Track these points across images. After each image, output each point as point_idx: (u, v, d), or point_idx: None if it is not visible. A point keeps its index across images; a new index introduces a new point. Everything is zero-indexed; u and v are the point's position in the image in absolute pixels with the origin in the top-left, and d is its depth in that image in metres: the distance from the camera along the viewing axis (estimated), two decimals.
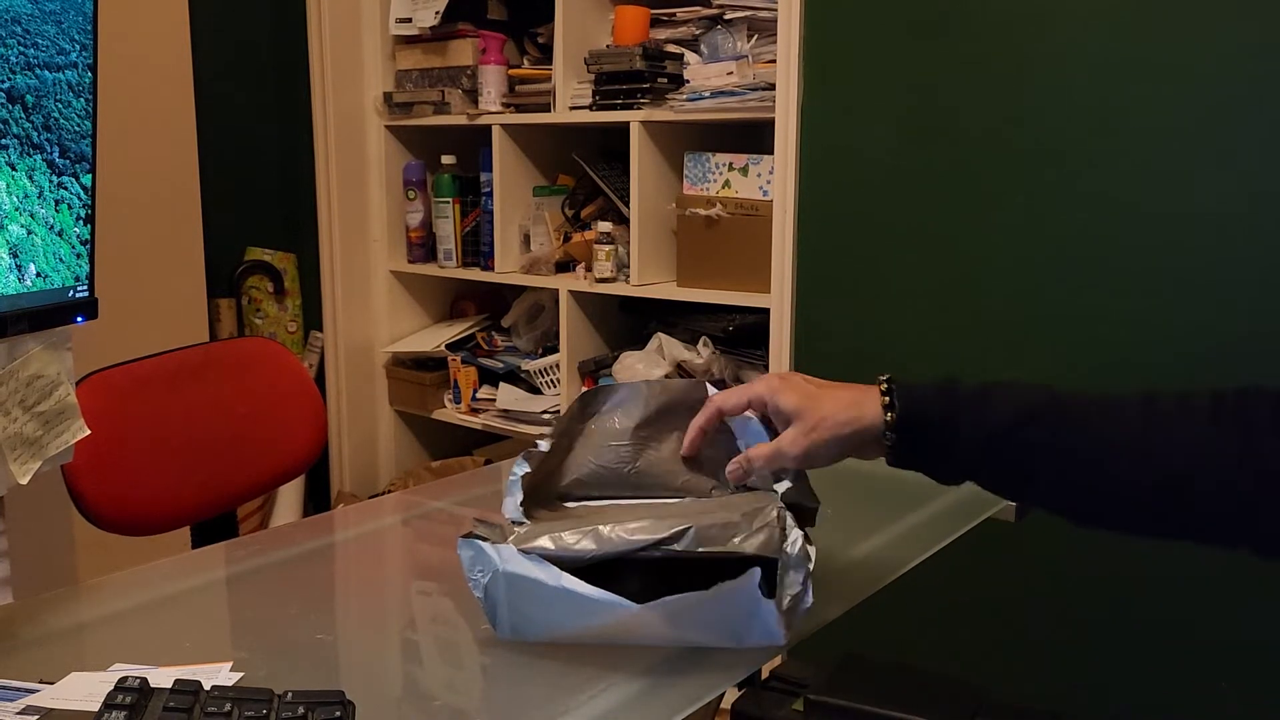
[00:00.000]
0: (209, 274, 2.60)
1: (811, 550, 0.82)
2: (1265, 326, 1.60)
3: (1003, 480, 0.86)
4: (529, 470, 0.93)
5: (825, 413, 0.87)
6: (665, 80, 2.29)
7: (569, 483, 0.98)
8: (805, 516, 0.87)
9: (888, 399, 0.85)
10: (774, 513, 0.82)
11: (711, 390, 0.97)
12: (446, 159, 2.73)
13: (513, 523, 0.88)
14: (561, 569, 0.79)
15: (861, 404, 0.86)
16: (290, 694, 0.68)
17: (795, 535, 0.81)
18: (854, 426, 0.86)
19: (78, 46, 0.89)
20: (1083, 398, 0.84)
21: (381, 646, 0.91)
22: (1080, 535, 1.78)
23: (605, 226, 2.40)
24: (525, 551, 0.81)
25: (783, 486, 0.89)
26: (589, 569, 0.80)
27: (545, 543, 0.82)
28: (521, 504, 0.89)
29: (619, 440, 0.98)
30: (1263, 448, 0.77)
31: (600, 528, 0.82)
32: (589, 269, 2.43)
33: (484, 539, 0.82)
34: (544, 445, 0.97)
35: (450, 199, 2.71)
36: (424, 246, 2.83)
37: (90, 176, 0.92)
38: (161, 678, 0.69)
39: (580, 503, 0.97)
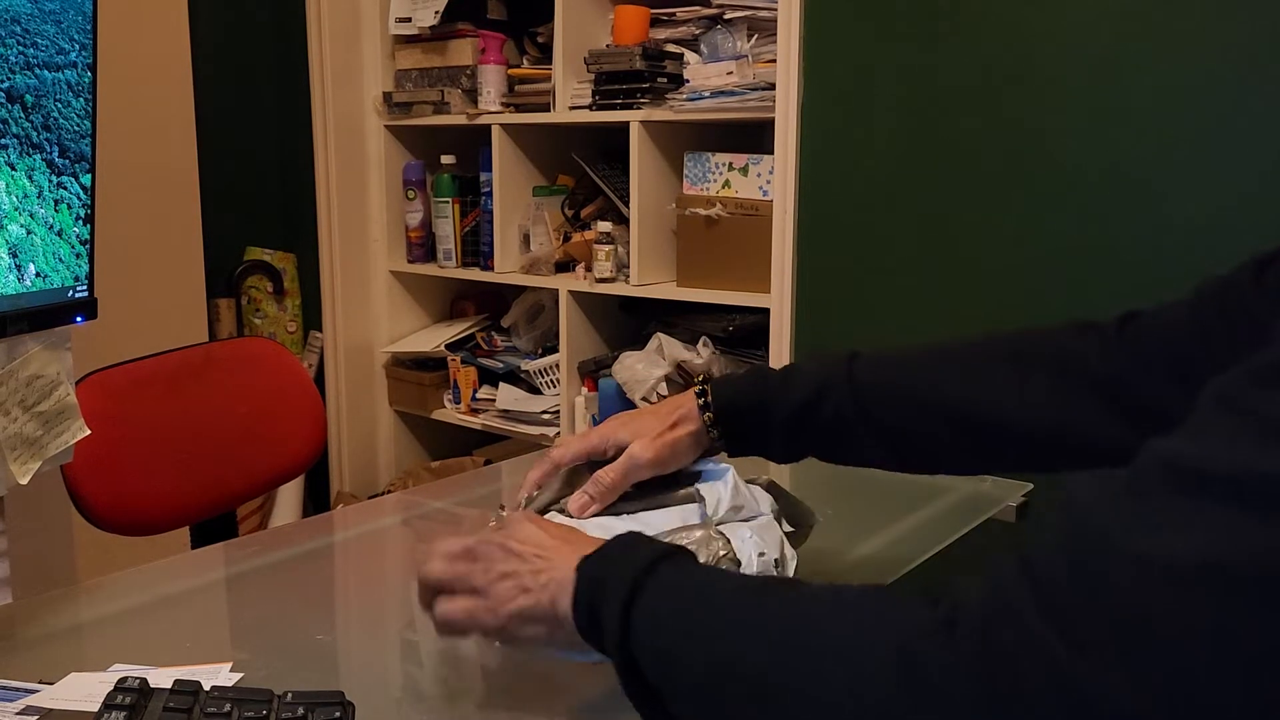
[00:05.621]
0: (209, 274, 2.60)
1: (791, 557, 0.86)
2: None
3: (829, 449, 0.91)
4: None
5: (653, 425, 0.93)
6: (665, 80, 2.29)
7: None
8: (797, 536, 0.92)
9: (702, 399, 0.92)
10: (720, 544, 0.83)
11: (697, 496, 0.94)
12: (446, 159, 2.73)
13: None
14: None
15: (682, 405, 0.93)
16: (290, 694, 0.68)
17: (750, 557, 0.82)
18: (686, 427, 0.91)
19: (77, 46, 0.89)
20: (877, 355, 0.91)
21: (381, 646, 0.91)
22: None
23: (605, 226, 2.39)
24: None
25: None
26: None
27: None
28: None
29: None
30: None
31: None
32: (589, 269, 2.43)
33: None
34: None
35: (450, 199, 2.71)
36: (424, 246, 2.82)
37: (90, 176, 0.92)
38: (161, 678, 0.69)
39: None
